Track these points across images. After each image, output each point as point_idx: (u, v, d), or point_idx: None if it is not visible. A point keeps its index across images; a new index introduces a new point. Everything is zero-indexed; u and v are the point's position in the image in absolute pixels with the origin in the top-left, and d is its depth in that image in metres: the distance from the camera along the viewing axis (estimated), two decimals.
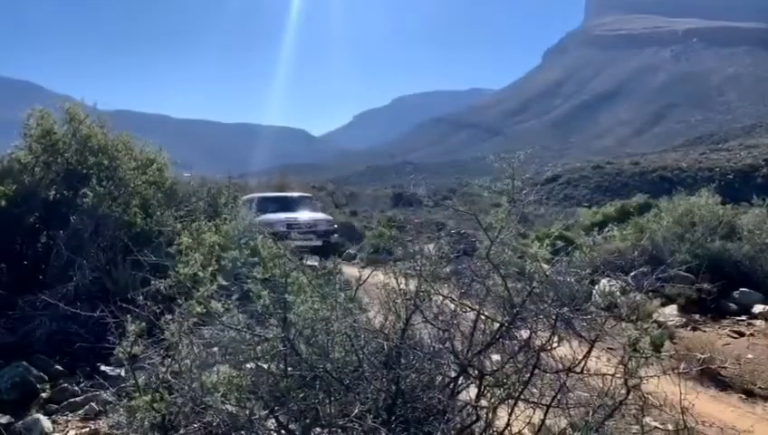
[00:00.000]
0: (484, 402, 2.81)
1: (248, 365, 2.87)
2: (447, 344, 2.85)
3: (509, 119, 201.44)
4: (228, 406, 2.58)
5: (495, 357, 3.08)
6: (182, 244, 4.64)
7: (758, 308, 7.12)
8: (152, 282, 3.13)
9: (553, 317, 2.64)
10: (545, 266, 2.78)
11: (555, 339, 2.66)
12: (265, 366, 2.83)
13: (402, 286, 3.06)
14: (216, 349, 2.93)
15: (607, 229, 2.84)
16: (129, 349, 2.51)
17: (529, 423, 2.97)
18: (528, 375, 2.89)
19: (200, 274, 2.65)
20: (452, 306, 2.94)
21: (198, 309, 2.56)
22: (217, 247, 4.93)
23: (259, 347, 2.62)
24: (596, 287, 3.59)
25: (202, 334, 2.68)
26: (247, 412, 2.50)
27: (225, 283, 2.69)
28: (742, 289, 7.48)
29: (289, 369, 2.85)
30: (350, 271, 4.23)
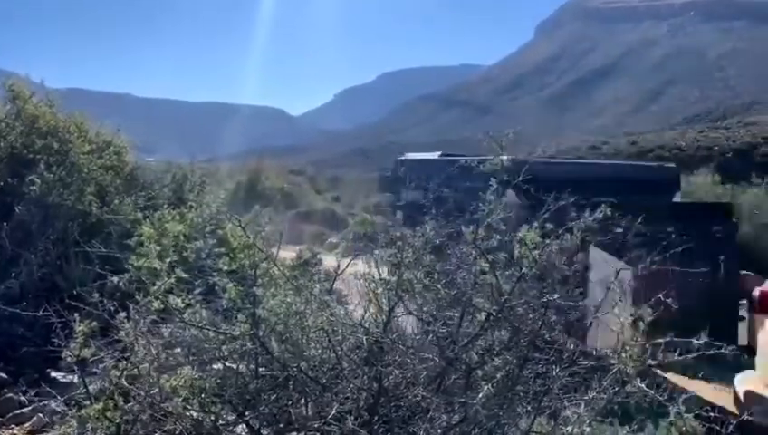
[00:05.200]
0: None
1: (216, 366, 2.79)
2: (432, 337, 2.81)
3: (501, 96, 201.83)
4: (192, 412, 2.50)
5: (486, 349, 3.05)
6: (143, 235, 4.51)
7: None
8: (109, 277, 3.02)
9: (543, 305, 2.61)
10: (535, 251, 2.74)
11: (546, 328, 2.63)
12: (234, 366, 2.76)
13: (384, 276, 3.00)
14: (178, 349, 2.84)
15: (599, 210, 2.79)
16: (77, 352, 2.40)
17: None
18: (518, 368, 2.86)
19: (157, 266, 2.55)
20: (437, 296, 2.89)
21: (156, 305, 2.46)
22: (183, 238, 4.81)
23: (224, 346, 2.54)
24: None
25: (161, 333, 2.59)
26: (213, 417, 2.42)
27: (184, 275, 2.59)
28: (743, 272, 7.60)
29: (260, 369, 2.78)
30: (332, 262, 4.14)
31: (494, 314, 2.81)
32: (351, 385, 2.81)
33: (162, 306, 2.48)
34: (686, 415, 2.64)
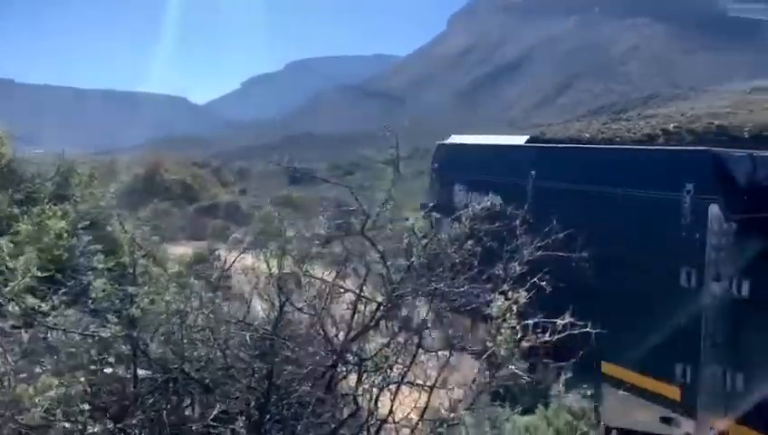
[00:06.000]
0: (362, 390, 2.83)
1: (107, 371, 2.65)
2: (320, 330, 2.82)
3: (415, 88, 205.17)
4: (59, 423, 2.35)
5: (380, 341, 3.11)
6: (20, 232, 4.16)
7: None
8: None
9: (430, 294, 2.70)
10: (424, 240, 2.82)
11: (433, 316, 2.73)
12: (109, 371, 2.62)
13: (273, 270, 2.97)
14: (48, 356, 2.65)
15: (487, 198, 2.93)
16: None
17: (416, 407, 3.05)
18: (411, 357, 2.95)
19: (10, 265, 2.36)
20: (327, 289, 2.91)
21: (10, 308, 2.28)
22: (65, 235, 4.49)
23: (93, 350, 2.41)
24: None
25: (20, 339, 2.40)
26: (80, 427, 2.29)
27: (40, 274, 2.42)
28: None
29: (139, 372, 2.67)
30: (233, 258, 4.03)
31: (385, 304, 2.88)
32: (239, 384, 2.76)
33: (18, 310, 2.30)
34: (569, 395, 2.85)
